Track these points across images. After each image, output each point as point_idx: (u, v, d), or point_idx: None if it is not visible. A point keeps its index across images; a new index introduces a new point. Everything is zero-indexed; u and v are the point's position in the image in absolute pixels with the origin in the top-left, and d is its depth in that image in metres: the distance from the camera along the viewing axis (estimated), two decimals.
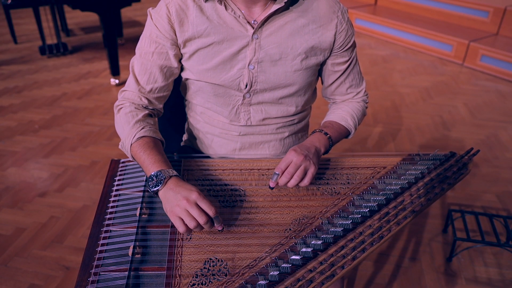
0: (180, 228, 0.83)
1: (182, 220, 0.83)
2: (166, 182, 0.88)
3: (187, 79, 1.14)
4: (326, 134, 1.08)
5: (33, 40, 4.54)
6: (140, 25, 5.16)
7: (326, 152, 1.08)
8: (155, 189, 0.88)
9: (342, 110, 1.17)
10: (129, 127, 1.00)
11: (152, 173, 0.90)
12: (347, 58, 1.12)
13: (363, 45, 4.65)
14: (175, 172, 0.91)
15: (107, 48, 3.34)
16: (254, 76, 1.06)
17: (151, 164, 0.92)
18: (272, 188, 0.99)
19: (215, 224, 0.86)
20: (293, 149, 0.98)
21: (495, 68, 3.90)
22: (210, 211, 0.83)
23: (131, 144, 0.98)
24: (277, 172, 0.96)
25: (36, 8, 3.94)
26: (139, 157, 0.96)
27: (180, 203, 0.83)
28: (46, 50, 3.98)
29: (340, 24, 1.06)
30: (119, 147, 1.04)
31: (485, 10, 4.33)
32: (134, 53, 1.09)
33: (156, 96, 1.09)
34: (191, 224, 0.82)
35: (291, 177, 0.96)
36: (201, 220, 0.82)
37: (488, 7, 4.30)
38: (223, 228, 0.87)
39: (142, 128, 1.00)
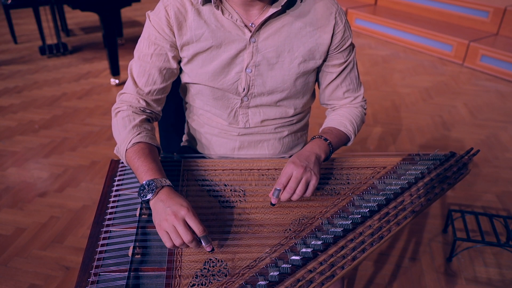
0: (167, 244, 0.81)
1: (170, 235, 0.80)
2: (157, 192, 0.85)
3: (186, 82, 1.13)
4: (326, 140, 1.05)
5: (33, 40, 4.53)
6: (140, 25, 5.16)
7: (327, 158, 1.05)
8: (146, 198, 0.85)
9: (341, 116, 1.15)
10: (125, 132, 0.99)
11: (144, 182, 0.87)
12: (343, 60, 1.10)
13: (363, 45, 4.65)
14: (168, 182, 0.88)
15: (107, 48, 3.34)
16: (252, 79, 1.06)
17: (144, 172, 0.89)
18: (273, 205, 0.95)
19: (203, 244, 0.81)
20: (292, 161, 0.94)
21: (495, 68, 3.90)
22: (198, 230, 0.79)
23: (126, 150, 0.97)
24: (279, 188, 0.92)
25: (36, 8, 3.94)
26: (133, 163, 0.93)
27: (168, 218, 0.80)
28: (46, 50, 3.97)
29: (337, 26, 1.05)
30: (115, 151, 1.02)
31: (485, 10, 4.33)
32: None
33: (155, 98, 1.08)
34: (177, 242, 0.79)
35: (294, 192, 0.92)
36: (186, 238, 0.79)
37: (488, 7, 4.30)
38: (212, 249, 0.82)
39: (138, 134, 0.98)
